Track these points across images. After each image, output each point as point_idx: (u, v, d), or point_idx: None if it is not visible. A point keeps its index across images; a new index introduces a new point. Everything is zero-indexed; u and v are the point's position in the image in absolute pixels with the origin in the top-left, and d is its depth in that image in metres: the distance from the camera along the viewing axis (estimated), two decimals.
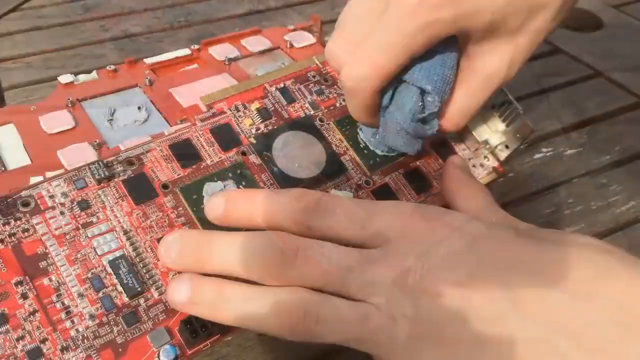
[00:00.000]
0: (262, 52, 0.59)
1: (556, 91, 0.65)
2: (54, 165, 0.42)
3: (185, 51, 0.58)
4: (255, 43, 0.59)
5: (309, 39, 0.61)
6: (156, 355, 0.35)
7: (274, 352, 0.37)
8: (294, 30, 0.62)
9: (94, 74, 0.54)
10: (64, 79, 0.52)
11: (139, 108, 0.50)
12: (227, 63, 0.56)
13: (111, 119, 0.49)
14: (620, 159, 0.56)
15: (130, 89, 0.53)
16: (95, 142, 0.45)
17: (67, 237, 0.38)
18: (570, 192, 0.52)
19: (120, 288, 0.37)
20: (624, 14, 0.81)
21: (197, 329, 0.36)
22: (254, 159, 0.45)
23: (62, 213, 0.38)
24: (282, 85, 0.50)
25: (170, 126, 0.48)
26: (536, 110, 0.61)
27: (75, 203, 0.39)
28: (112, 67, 0.54)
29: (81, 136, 0.46)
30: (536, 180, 0.52)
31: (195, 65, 0.57)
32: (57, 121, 0.47)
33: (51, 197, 0.39)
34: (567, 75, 0.67)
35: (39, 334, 0.34)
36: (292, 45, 0.60)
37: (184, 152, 0.44)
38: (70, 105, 0.49)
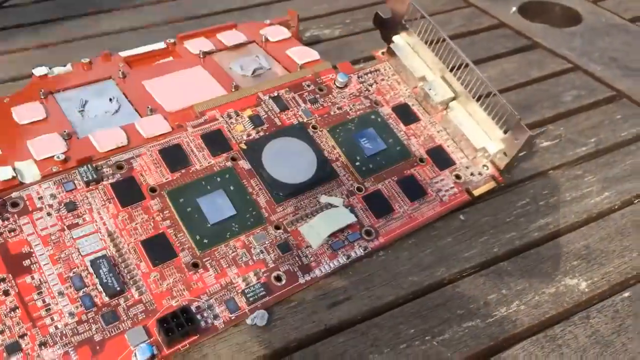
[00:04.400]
0: (237, 46, 0.60)
1: (534, 84, 0.65)
2: (23, 155, 0.43)
3: (160, 45, 0.59)
4: (230, 37, 0.60)
5: (284, 33, 0.61)
6: (133, 353, 0.35)
7: (248, 343, 0.38)
8: (270, 24, 0.63)
9: (68, 66, 0.55)
10: (39, 71, 0.53)
11: (110, 99, 0.51)
12: (201, 56, 0.57)
13: (82, 110, 0.50)
14: (596, 150, 0.56)
15: (103, 81, 0.53)
16: (65, 132, 0.46)
17: (53, 237, 0.38)
18: (545, 184, 0.52)
19: (100, 287, 0.37)
20: (602, 9, 0.81)
21: (174, 329, 0.36)
22: (243, 164, 0.46)
23: (49, 214, 0.39)
24: (275, 93, 0.51)
25: (141, 117, 0.49)
26: (513, 104, 0.60)
27: (63, 205, 0.40)
28: (87, 59, 0.55)
29: (52, 127, 0.47)
30: (512, 172, 0.52)
31: (169, 59, 0.58)
32: (28, 112, 0.48)
33: (40, 198, 0.40)
34: (545, 69, 0.68)
35: (19, 329, 0.35)
36: (267, 40, 0.60)
37: (174, 157, 0.44)
38: (43, 97, 0.50)
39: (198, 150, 0.45)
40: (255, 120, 0.49)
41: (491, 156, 0.51)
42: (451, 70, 0.52)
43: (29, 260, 0.37)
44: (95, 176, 0.41)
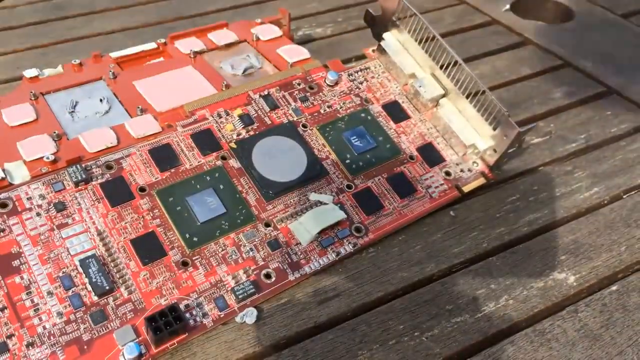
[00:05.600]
0: (228, 45, 0.60)
1: (524, 81, 0.65)
2: (13, 156, 0.43)
3: (151, 45, 0.59)
4: (221, 36, 0.60)
5: (275, 31, 0.61)
6: (121, 353, 0.35)
7: (237, 341, 0.39)
8: (261, 23, 0.63)
9: (59, 67, 0.55)
10: (30, 73, 0.53)
11: (100, 100, 0.51)
12: (192, 56, 0.57)
13: (72, 111, 0.50)
14: (586, 146, 0.56)
15: (94, 82, 0.53)
16: (55, 133, 0.46)
17: (42, 237, 0.39)
18: (535, 180, 0.52)
19: (89, 287, 0.37)
20: (594, 5, 0.81)
21: (162, 327, 0.36)
22: (233, 163, 0.46)
23: (38, 214, 0.39)
24: (265, 92, 0.51)
25: (131, 117, 0.49)
26: (504, 101, 0.61)
27: (52, 205, 0.40)
28: (77, 61, 0.55)
29: (42, 128, 0.47)
30: (502, 169, 0.53)
31: (160, 59, 0.58)
32: (18, 114, 0.48)
33: (29, 199, 0.40)
34: (536, 66, 0.68)
35: (6, 329, 0.35)
36: (258, 38, 0.60)
37: (164, 156, 0.45)
38: (33, 99, 0.50)
39: (188, 150, 0.46)
40: (245, 119, 0.49)
41: (481, 153, 0.51)
42: (441, 68, 0.52)
43: (18, 260, 0.37)
44: (84, 176, 0.41)
